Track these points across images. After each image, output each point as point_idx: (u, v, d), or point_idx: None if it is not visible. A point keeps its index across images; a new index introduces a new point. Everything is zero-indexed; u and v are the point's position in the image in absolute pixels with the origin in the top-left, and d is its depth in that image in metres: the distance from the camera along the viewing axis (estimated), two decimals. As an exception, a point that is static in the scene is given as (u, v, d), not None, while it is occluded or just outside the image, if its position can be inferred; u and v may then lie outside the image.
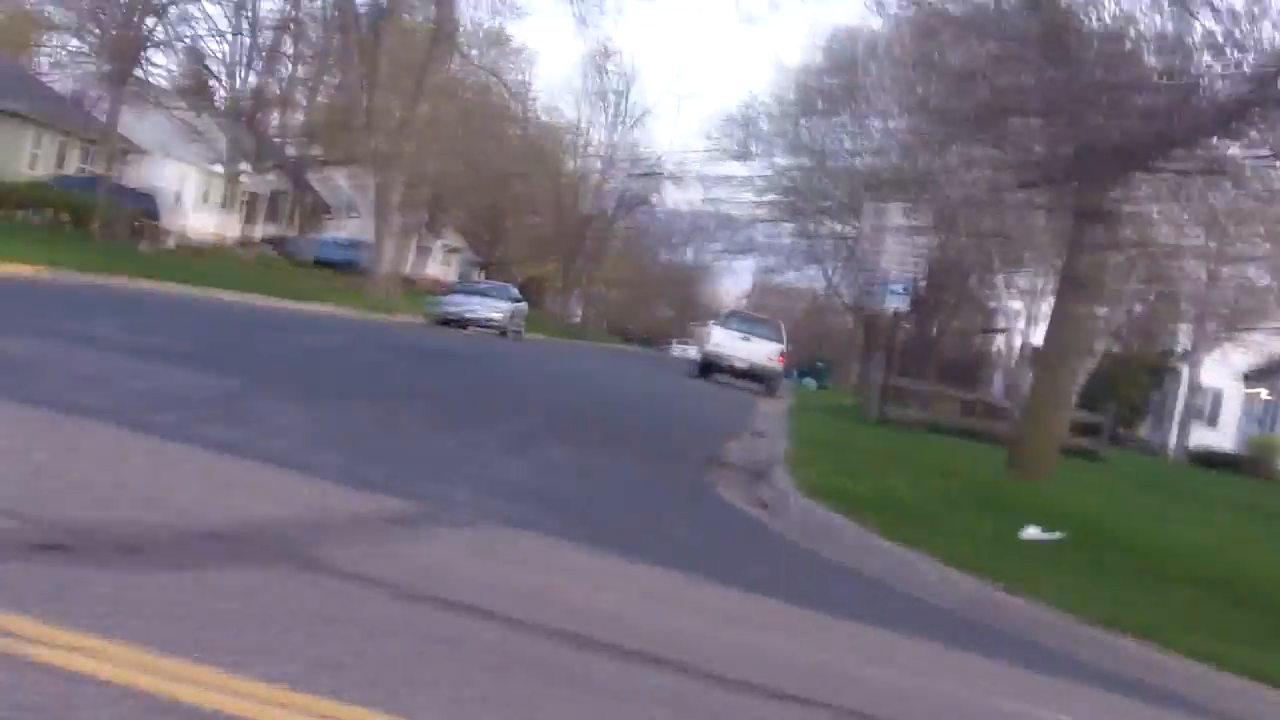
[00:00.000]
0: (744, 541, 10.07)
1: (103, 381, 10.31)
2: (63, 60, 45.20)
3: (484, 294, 47.93)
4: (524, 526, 7.93)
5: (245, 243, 58.38)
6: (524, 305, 51.32)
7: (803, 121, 66.97)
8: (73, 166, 54.38)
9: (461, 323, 43.88)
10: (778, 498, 11.90)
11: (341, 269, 59.39)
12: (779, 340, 39.89)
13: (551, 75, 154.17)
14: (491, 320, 44.83)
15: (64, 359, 11.22)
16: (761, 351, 38.72)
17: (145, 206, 47.18)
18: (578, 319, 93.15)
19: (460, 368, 23.50)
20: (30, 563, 4.54)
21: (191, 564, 5.03)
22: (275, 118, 64.51)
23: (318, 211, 67.71)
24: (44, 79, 53.66)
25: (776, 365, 39.28)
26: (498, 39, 74.43)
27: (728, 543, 9.90)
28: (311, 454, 8.69)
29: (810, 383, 58.48)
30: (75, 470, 6.48)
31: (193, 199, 62.43)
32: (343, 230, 75.77)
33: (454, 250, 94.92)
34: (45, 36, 49.31)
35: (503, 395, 19.58)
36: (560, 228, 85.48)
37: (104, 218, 38.67)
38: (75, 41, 39.28)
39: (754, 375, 38.74)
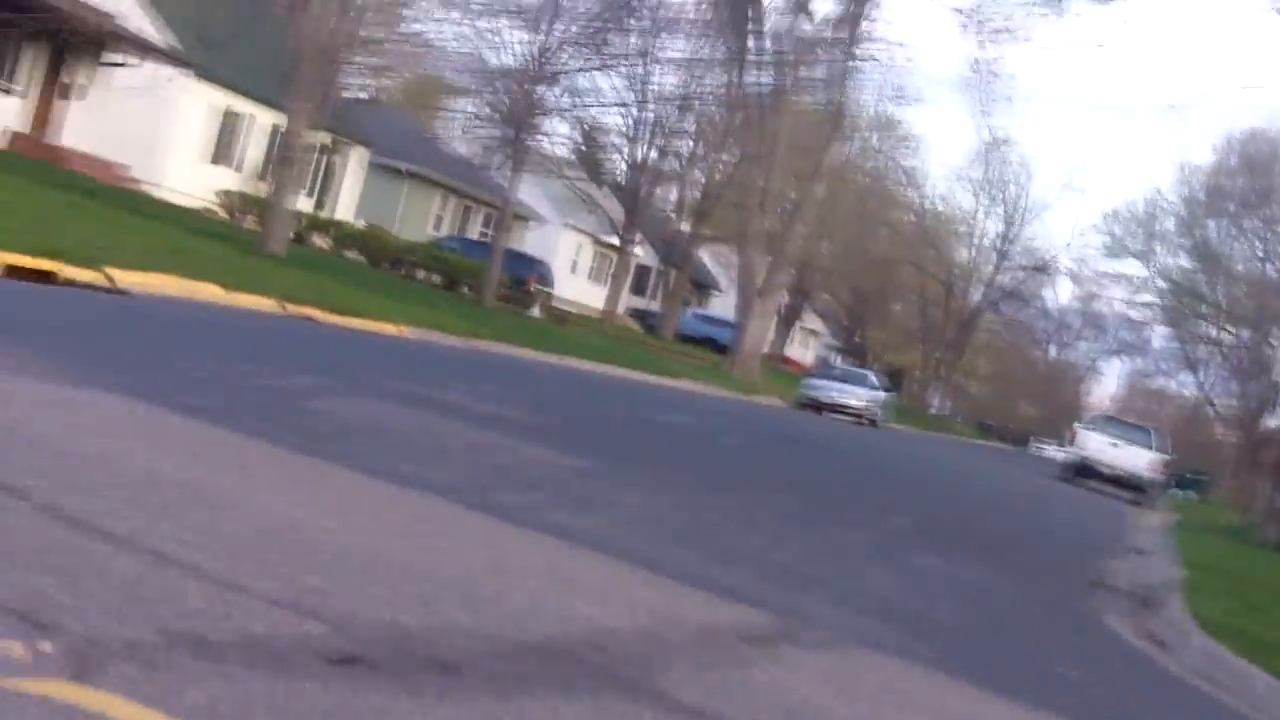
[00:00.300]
0: (1142, 686, 8.84)
1: (448, 452, 9.89)
2: (467, 124, 46.78)
3: (848, 380, 47.01)
4: (892, 652, 7.01)
5: (609, 314, 59.24)
6: (888, 393, 50.18)
7: (1210, 223, 63.49)
8: (475, 230, 56.67)
9: (824, 408, 43.10)
10: (1174, 633, 10.66)
11: (703, 345, 59.57)
12: (1161, 449, 37.76)
13: (939, 162, 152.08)
14: (854, 407, 43.85)
15: (414, 425, 10.88)
16: (1141, 460, 36.76)
17: (540, 273, 48.39)
18: (937, 409, 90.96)
19: (822, 457, 22.58)
20: (329, 683, 3.84)
21: (511, 690, 4.26)
22: (670, 192, 65.36)
23: (684, 287, 68.24)
24: (450, 142, 55.99)
25: (1157, 475, 37.14)
26: (887, 124, 73.95)
27: (1125, 687, 8.65)
28: (662, 548, 8.00)
29: (1190, 495, 55.08)
30: (402, 558, 5.86)
31: (567, 267, 64.00)
32: (706, 307, 76.35)
33: (813, 333, 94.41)
34: (451, 100, 51.23)
35: (866, 490, 18.62)
36: (938, 316, 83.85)
37: (496, 282, 40.03)
38: (488, 108, 40.45)
39: (1130, 484, 36.66)
